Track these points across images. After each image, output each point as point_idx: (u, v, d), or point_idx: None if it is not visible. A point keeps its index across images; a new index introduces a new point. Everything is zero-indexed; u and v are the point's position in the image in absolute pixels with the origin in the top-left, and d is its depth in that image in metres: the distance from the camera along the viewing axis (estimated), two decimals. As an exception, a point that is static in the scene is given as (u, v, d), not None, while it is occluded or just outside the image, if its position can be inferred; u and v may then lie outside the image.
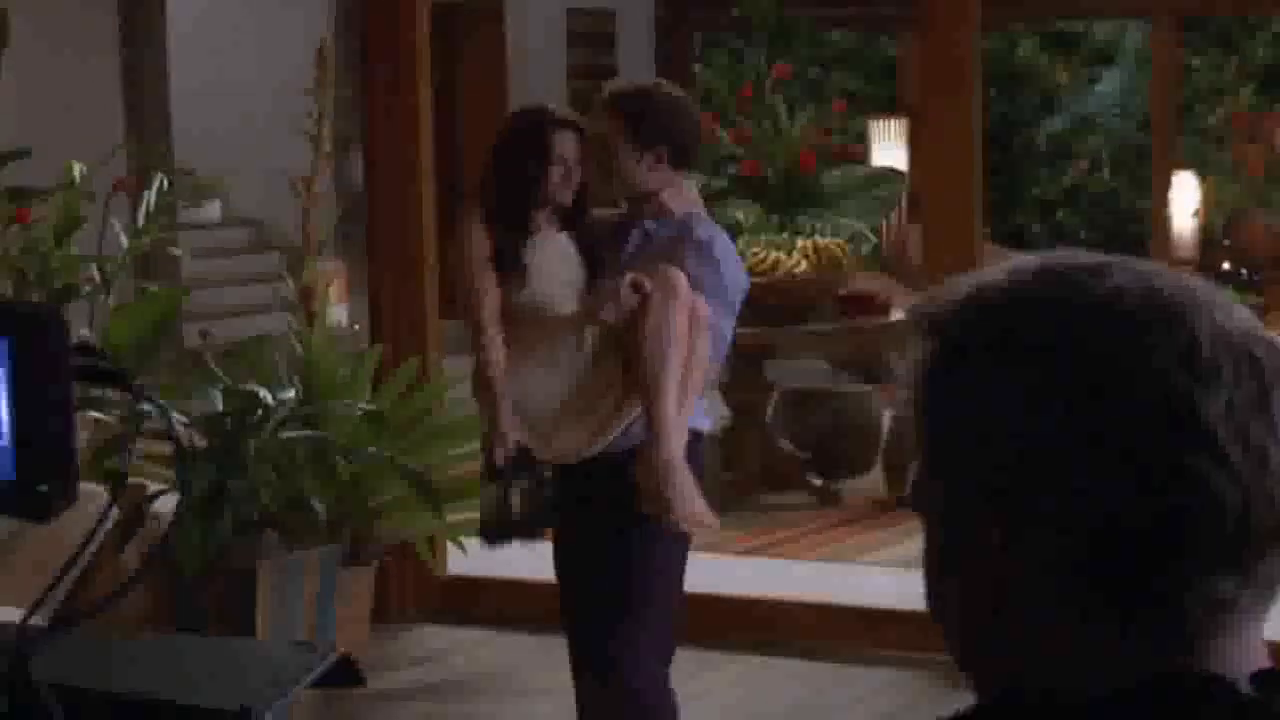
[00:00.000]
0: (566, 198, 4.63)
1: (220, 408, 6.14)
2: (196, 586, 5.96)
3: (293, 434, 6.15)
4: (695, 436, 4.54)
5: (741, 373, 8.99)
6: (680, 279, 4.42)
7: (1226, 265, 14.39)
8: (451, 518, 6.31)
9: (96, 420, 5.92)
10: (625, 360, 4.47)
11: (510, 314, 4.58)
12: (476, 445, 6.78)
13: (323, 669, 1.93)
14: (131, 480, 5.69)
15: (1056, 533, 1.24)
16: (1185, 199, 15.20)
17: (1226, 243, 15.05)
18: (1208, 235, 15.38)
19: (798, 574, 7.85)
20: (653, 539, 4.48)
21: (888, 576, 7.65)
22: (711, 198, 11.22)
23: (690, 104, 4.67)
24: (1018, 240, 16.62)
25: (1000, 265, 1.32)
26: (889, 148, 14.20)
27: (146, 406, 1.75)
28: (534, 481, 4.57)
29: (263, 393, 6.14)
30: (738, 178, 11.08)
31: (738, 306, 4.58)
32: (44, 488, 1.68)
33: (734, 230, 10.01)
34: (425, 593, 7.04)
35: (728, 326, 4.55)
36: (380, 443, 6.25)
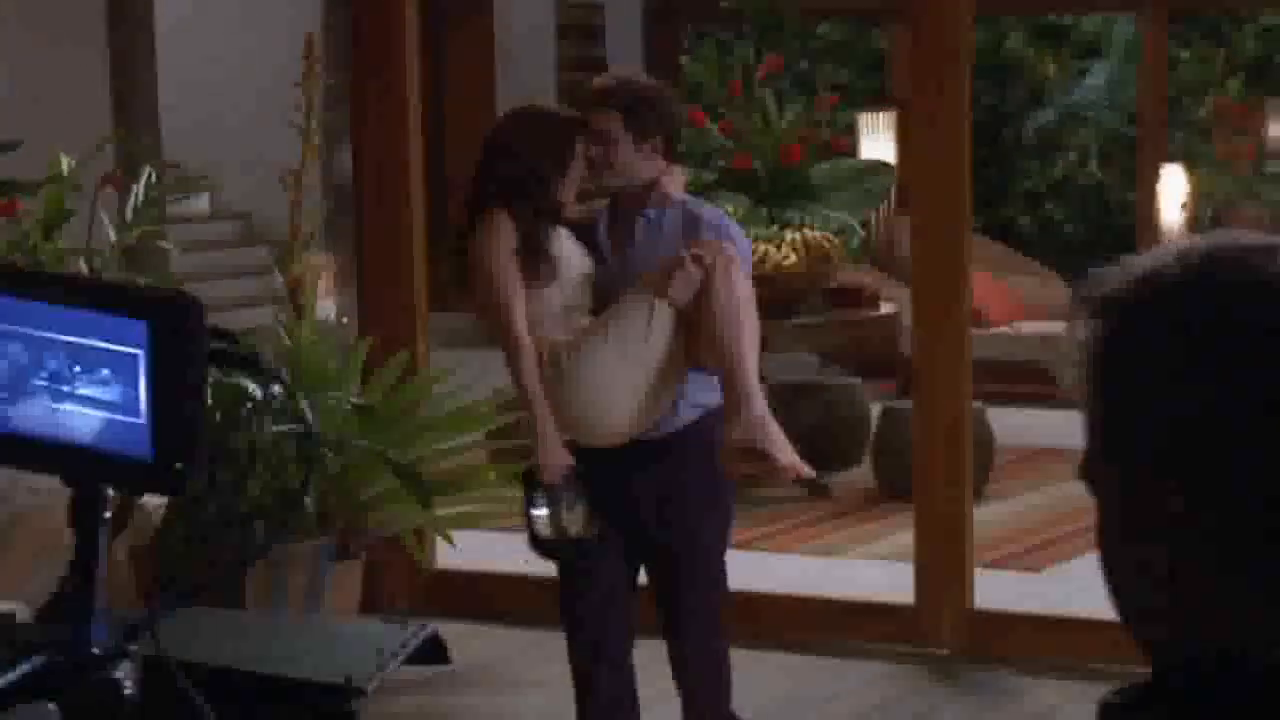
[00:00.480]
0: (570, 193, 4.78)
1: (209, 401, 6.13)
2: (184, 579, 5.95)
3: (281, 428, 6.14)
4: (707, 411, 4.71)
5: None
6: (734, 250, 4.64)
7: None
8: (440, 511, 6.31)
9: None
10: (689, 335, 4.62)
11: (548, 312, 4.71)
12: (466, 438, 6.80)
13: (417, 645, 2.01)
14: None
15: (1234, 502, 1.29)
16: (1173, 192, 15.21)
17: (1215, 236, 15.06)
18: (1196, 229, 15.39)
19: (787, 567, 7.85)
20: (712, 508, 4.75)
21: (876, 569, 7.66)
22: (701, 190, 11.23)
23: (674, 94, 4.90)
24: (1005, 233, 16.63)
25: (1166, 247, 1.38)
26: (877, 140, 14.19)
27: (276, 389, 1.80)
28: (583, 495, 4.69)
29: (251, 386, 6.13)
30: (726, 170, 11.08)
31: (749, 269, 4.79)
32: (180, 465, 1.78)
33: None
34: (414, 586, 7.04)
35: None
36: (369, 436, 6.25)
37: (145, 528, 5.73)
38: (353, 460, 6.28)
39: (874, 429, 9.22)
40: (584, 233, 4.82)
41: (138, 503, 5.74)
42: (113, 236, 6.54)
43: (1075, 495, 7.65)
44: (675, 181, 4.79)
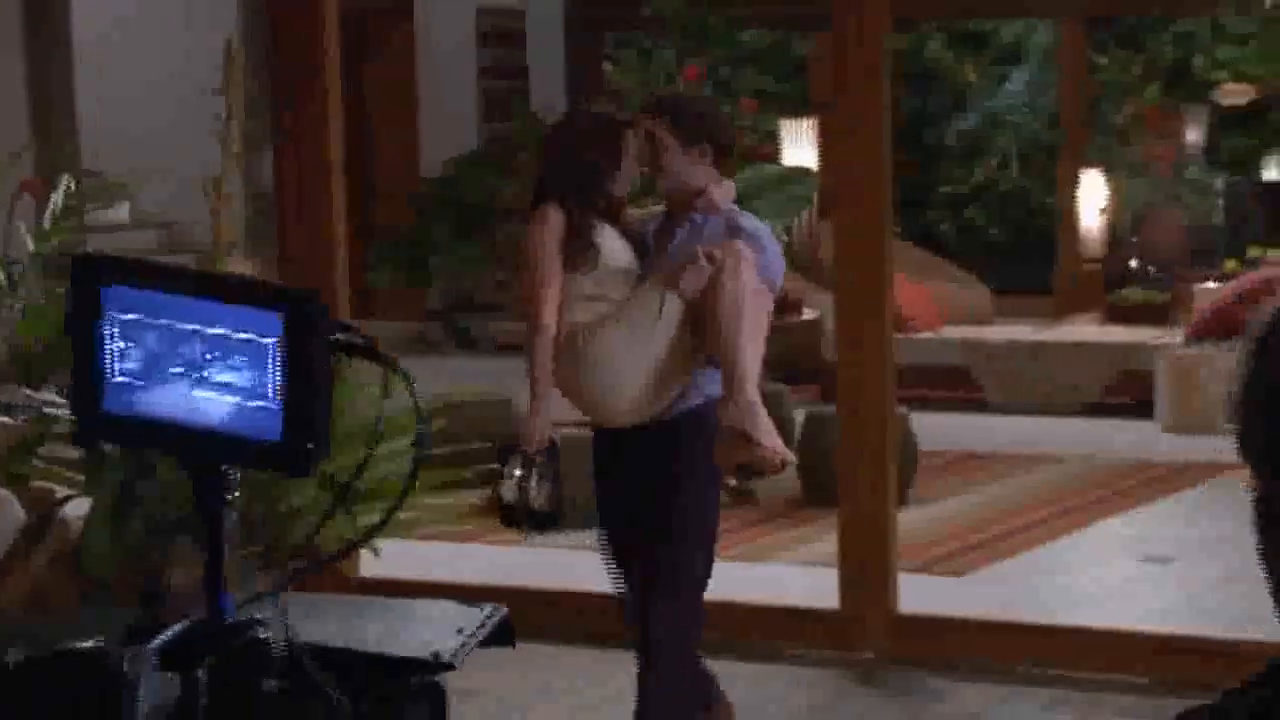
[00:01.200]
0: (623, 190, 5.18)
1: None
2: (105, 592, 5.90)
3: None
4: (708, 402, 5.01)
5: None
6: (746, 250, 4.97)
7: (1134, 263, 14.50)
8: (364, 520, 6.28)
9: (3, 424, 5.85)
10: (696, 326, 4.96)
11: (573, 292, 5.06)
12: (390, 447, 6.75)
13: (493, 625, 2.13)
14: (40, 484, 5.63)
15: None
16: (1093, 196, 15.31)
17: (1134, 240, 15.17)
18: (1116, 233, 15.49)
19: (712, 573, 7.85)
20: (705, 487, 5.10)
21: (801, 575, 7.67)
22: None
23: (724, 111, 5.44)
24: (927, 237, 16.69)
25: None
26: (799, 147, 14.22)
27: (398, 376, 2.03)
28: (554, 473, 5.10)
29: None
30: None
31: (779, 291, 5.24)
32: (309, 445, 1.93)
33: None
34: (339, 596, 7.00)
35: (769, 305, 5.11)
36: (292, 445, 6.21)
37: (66, 537, 5.68)
38: (276, 470, 6.24)
39: (798, 434, 9.24)
40: (637, 235, 5.19)
41: (59, 514, 5.69)
42: (30, 245, 6.48)
43: (999, 499, 7.72)
44: (724, 191, 5.14)
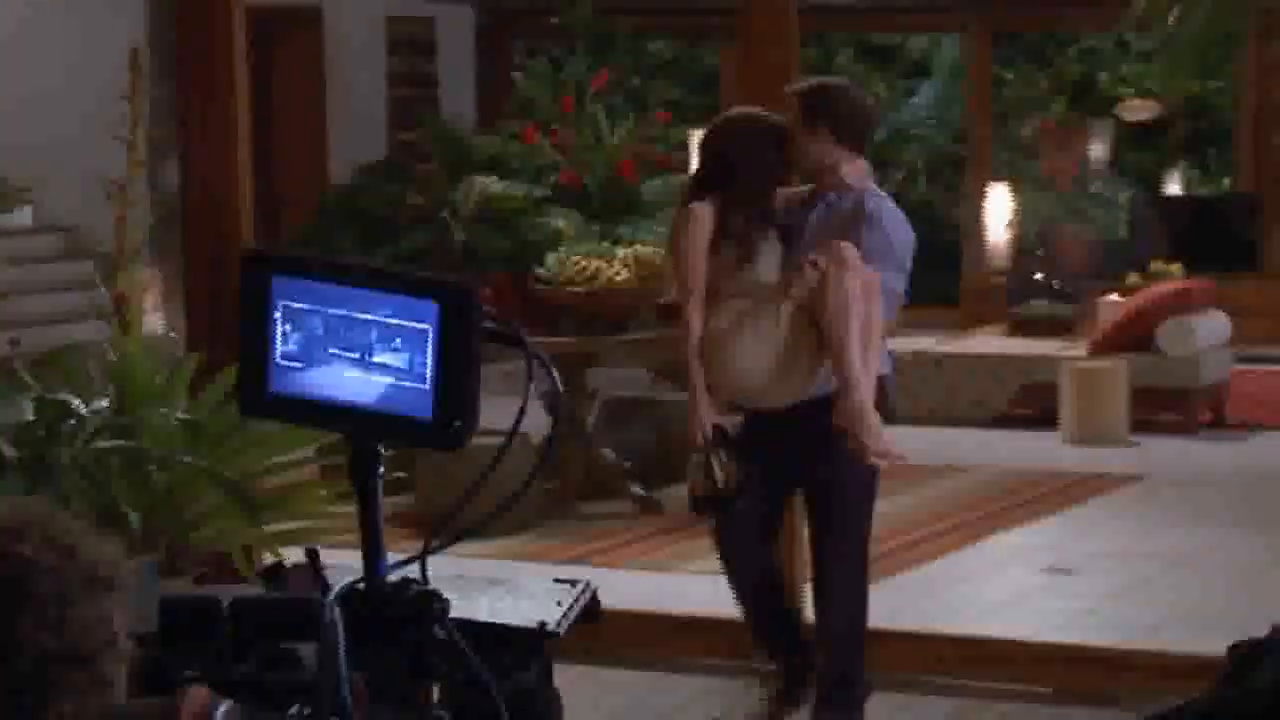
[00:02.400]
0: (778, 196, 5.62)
1: (31, 417, 6.02)
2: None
3: (106, 444, 6.05)
4: (880, 379, 5.49)
5: (562, 381, 8.98)
6: (850, 252, 5.31)
7: (1039, 276, 14.60)
8: (269, 527, 6.24)
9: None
10: (816, 324, 5.36)
11: (723, 291, 5.47)
12: (295, 454, 6.74)
13: (586, 600, 2.31)
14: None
15: None
16: (999, 210, 15.42)
17: (1039, 253, 15.28)
18: (1021, 246, 15.60)
19: (618, 582, 7.85)
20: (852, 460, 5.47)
21: (707, 584, 7.67)
22: (532, 206, 11.22)
23: (858, 92, 5.76)
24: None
25: None
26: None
27: (539, 362, 2.23)
28: (728, 456, 5.51)
29: (75, 402, 6.03)
30: (559, 186, 11.08)
31: (908, 263, 5.52)
32: (459, 423, 2.12)
33: (555, 239, 10.02)
34: (242, 604, 6.95)
35: (900, 282, 5.48)
36: (197, 453, 6.17)
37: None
38: (180, 476, 6.20)
39: (705, 444, 9.24)
40: (783, 226, 5.56)
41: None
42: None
43: (903, 510, 7.75)
44: (855, 169, 5.54)
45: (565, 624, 2.26)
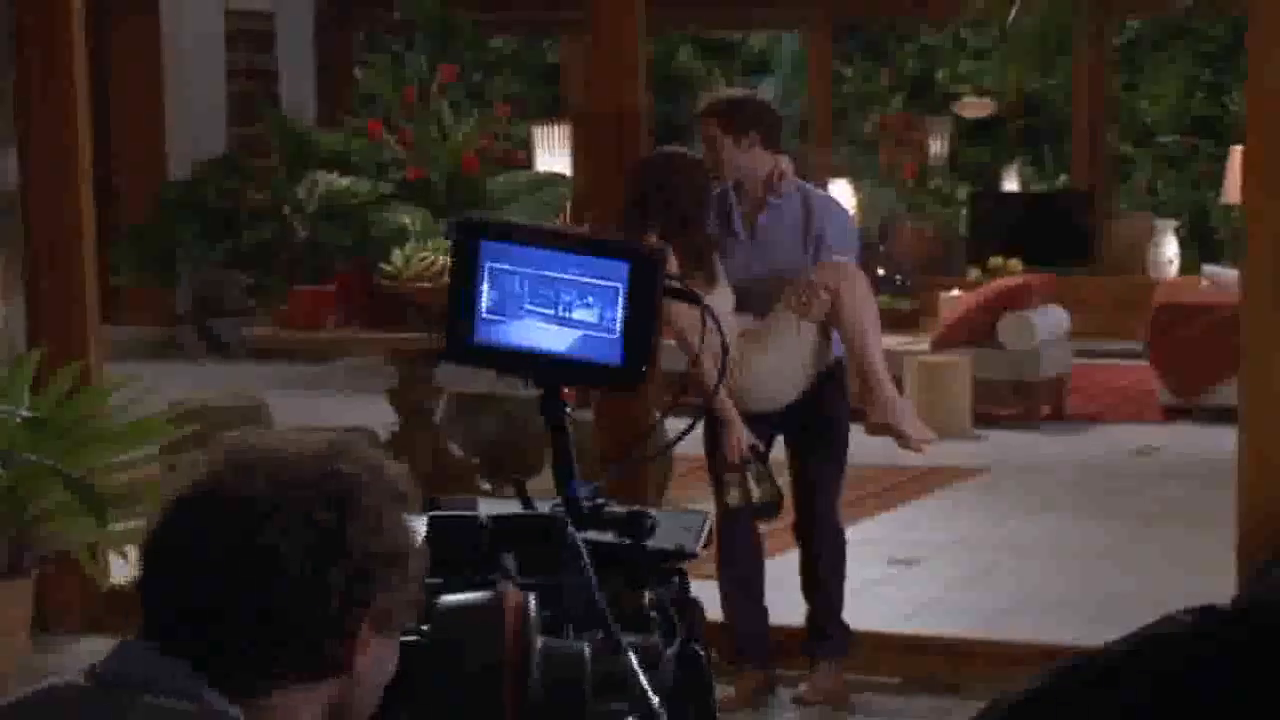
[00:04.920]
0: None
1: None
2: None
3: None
4: (839, 360, 5.94)
5: (409, 377, 8.94)
6: (847, 266, 5.84)
7: (881, 271, 14.73)
8: (115, 526, 6.16)
9: None
10: (824, 325, 5.84)
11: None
12: (141, 451, 6.65)
13: (708, 530, 2.57)
14: None
15: None
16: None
17: (881, 248, 15.42)
18: (863, 241, 15.74)
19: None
20: (844, 414, 6.02)
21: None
22: (377, 202, 11.17)
23: (763, 96, 6.28)
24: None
25: None
26: (552, 152, 14.25)
27: (711, 318, 2.56)
28: (766, 472, 5.85)
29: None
30: (403, 182, 11.03)
31: (859, 242, 6.26)
32: (643, 369, 2.42)
33: (400, 235, 9.97)
34: (88, 603, 6.86)
35: (857, 257, 6.09)
36: (40, 449, 6.08)
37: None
38: (22, 473, 6.10)
39: (552, 439, 9.25)
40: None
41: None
42: None
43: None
44: (788, 169, 5.93)
45: (699, 545, 2.54)
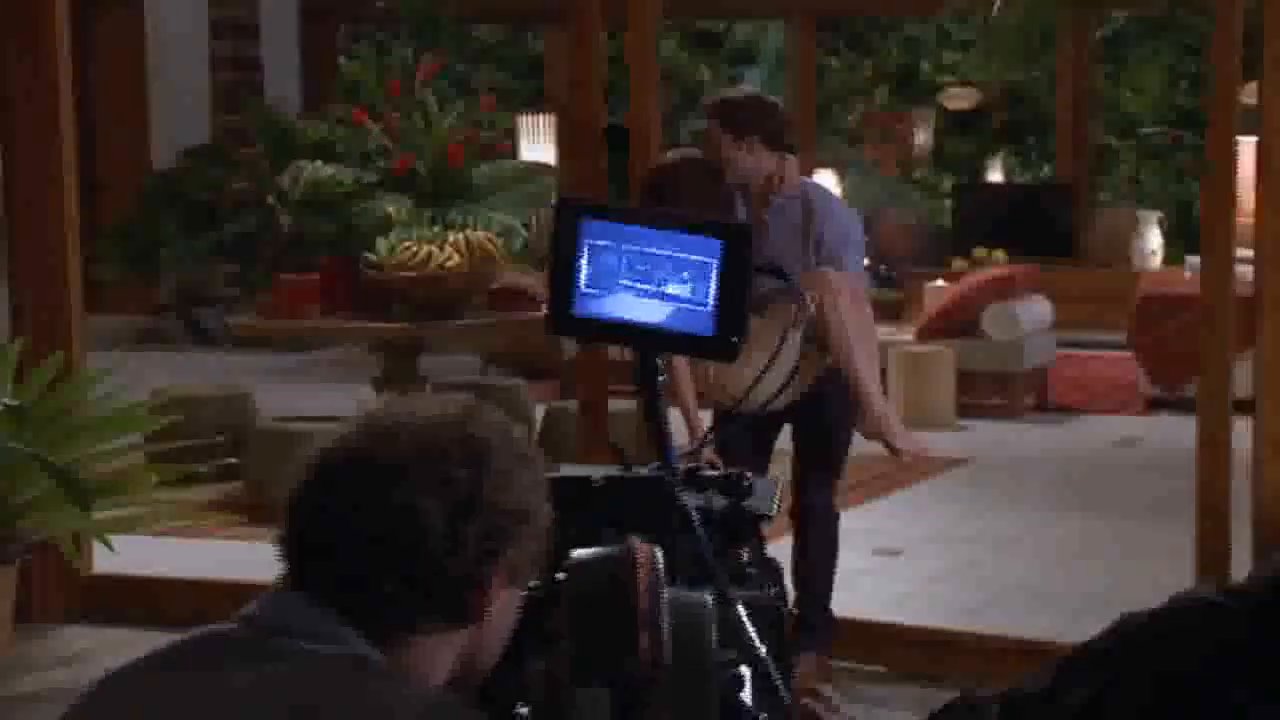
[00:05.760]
0: None
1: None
2: None
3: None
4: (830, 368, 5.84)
5: (393, 366, 8.95)
6: (831, 276, 5.70)
7: (866, 262, 14.79)
8: (98, 515, 6.16)
9: None
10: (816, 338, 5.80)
11: None
12: (124, 441, 6.66)
13: (779, 495, 2.75)
14: None
15: None
16: (824, 196, 15.54)
17: (865, 240, 15.45)
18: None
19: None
20: (843, 418, 5.99)
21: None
22: (362, 192, 11.17)
23: (765, 95, 6.04)
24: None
25: None
26: (537, 143, 14.26)
27: (796, 294, 2.91)
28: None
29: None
30: (388, 172, 11.03)
31: (862, 239, 6.00)
32: (735, 339, 2.55)
33: (385, 224, 9.97)
34: (71, 592, 6.86)
35: (861, 261, 6.02)
36: (23, 439, 6.08)
37: None
38: (6, 463, 6.10)
39: (537, 430, 9.27)
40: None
41: None
42: None
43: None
44: (792, 170, 5.85)
45: (772, 507, 2.70)
